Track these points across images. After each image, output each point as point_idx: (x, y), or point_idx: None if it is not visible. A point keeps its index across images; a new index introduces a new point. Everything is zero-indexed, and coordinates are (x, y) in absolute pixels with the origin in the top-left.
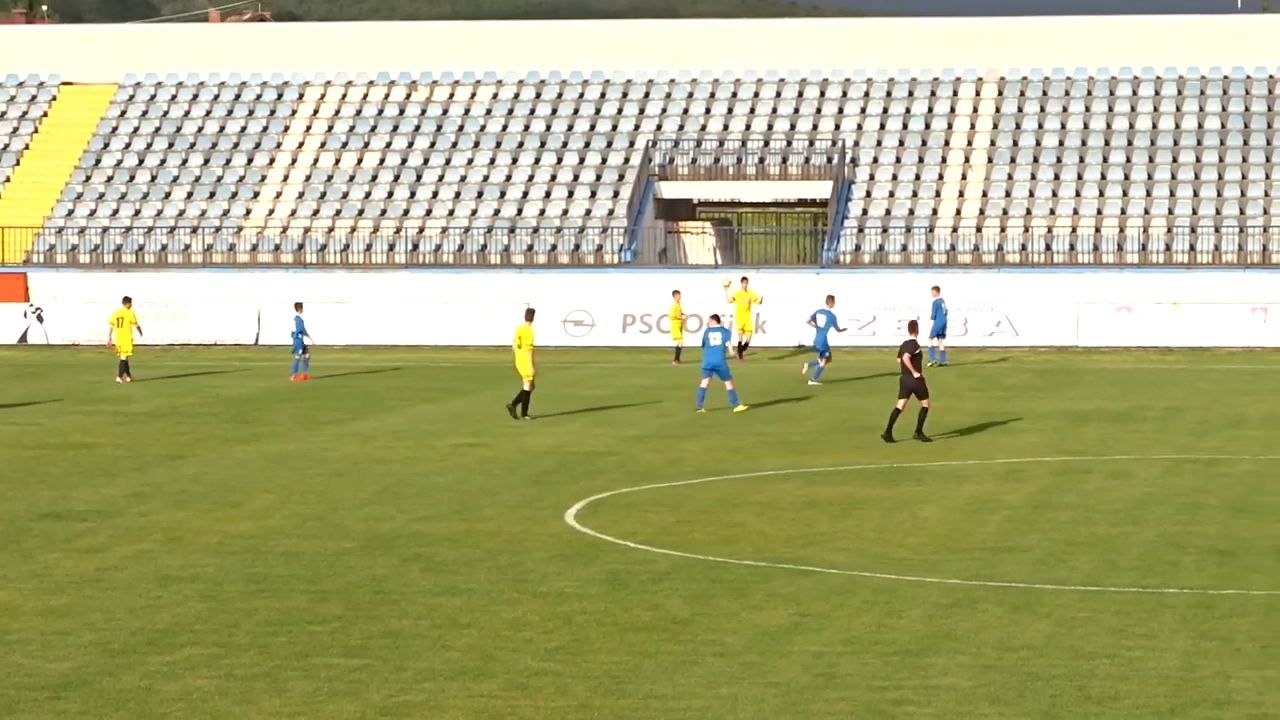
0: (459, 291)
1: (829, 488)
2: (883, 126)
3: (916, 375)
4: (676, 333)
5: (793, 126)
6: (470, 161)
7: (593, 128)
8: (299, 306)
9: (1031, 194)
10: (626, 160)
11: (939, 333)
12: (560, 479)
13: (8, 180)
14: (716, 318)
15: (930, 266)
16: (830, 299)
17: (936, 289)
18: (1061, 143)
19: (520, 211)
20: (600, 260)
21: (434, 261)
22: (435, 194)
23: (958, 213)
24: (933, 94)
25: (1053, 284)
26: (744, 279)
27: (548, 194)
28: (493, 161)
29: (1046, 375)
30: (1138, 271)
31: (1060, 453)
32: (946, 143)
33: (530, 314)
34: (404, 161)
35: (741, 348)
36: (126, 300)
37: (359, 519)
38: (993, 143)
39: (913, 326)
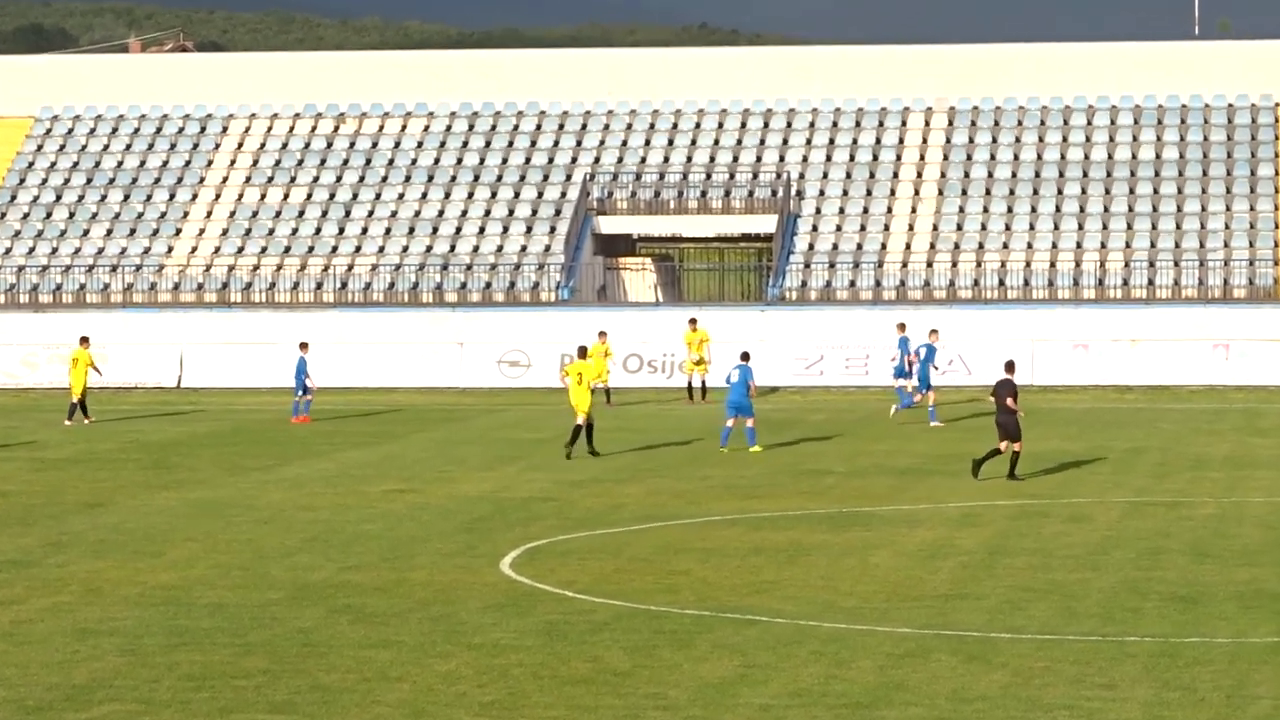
0: (390, 331)
1: (776, 533)
2: (829, 158)
3: (1019, 414)
4: (596, 374)
5: (736, 158)
6: (401, 196)
7: (528, 160)
8: (304, 347)
9: (984, 227)
10: (563, 194)
11: (904, 372)
12: (495, 526)
13: None
14: (745, 355)
15: (880, 303)
16: (934, 333)
17: (902, 326)
18: (1015, 174)
19: (453, 248)
20: (536, 298)
21: (364, 300)
22: (365, 230)
23: (907, 247)
24: (880, 124)
25: (1007, 320)
26: (693, 320)
27: (482, 229)
28: (424, 196)
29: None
30: (1095, 307)
31: (1016, 496)
32: (895, 174)
33: (584, 351)
34: (332, 197)
35: (701, 390)
36: (84, 340)
37: (286, 568)
38: (943, 174)
39: (1009, 366)
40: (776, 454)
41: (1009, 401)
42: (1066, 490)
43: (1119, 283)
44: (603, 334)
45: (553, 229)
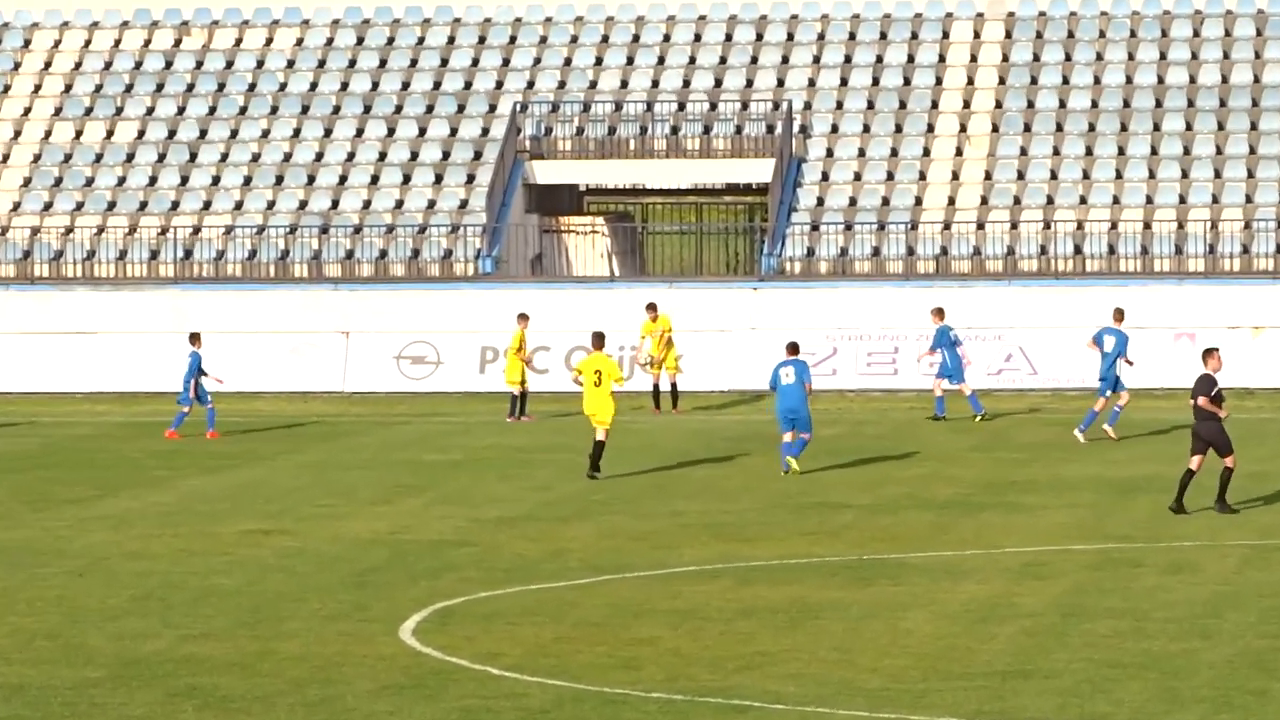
0: (250, 316)
1: (772, 589)
2: (844, 82)
3: (1222, 415)
4: (514, 373)
5: (718, 83)
6: (265, 134)
7: (437, 86)
8: (195, 340)
9: (1054, 175)
10: (485, 131)
11: (954, 372)
12: (394, 579)
13: None
14: (794, 347)
15: (913, 278)
16: (1118, 313)
17: (939, 313)
18: (1095, 103)
19: (336, 204)
20: (449, 272)
21: (214, 275)
22: (216, 180)
23: (951, 202)
24: (914, 37)
25: (1084, 302)
26: (651, 306)
27: (374, 179)
28: (297, 134)
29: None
30: (1203, 284)
31: (1098, 538)
32: (934, 104)
33: (601, 339)
34: (172, 135)
35: (672, 395)
36: None
37: (109, 636)
38: (998, 104)
39: (1209, 355)
40: (773, 481)
41: (1203, 403)
42: (1165, 530)
43: (1235, 249)
44: (523, 317)
45: (470, 178)
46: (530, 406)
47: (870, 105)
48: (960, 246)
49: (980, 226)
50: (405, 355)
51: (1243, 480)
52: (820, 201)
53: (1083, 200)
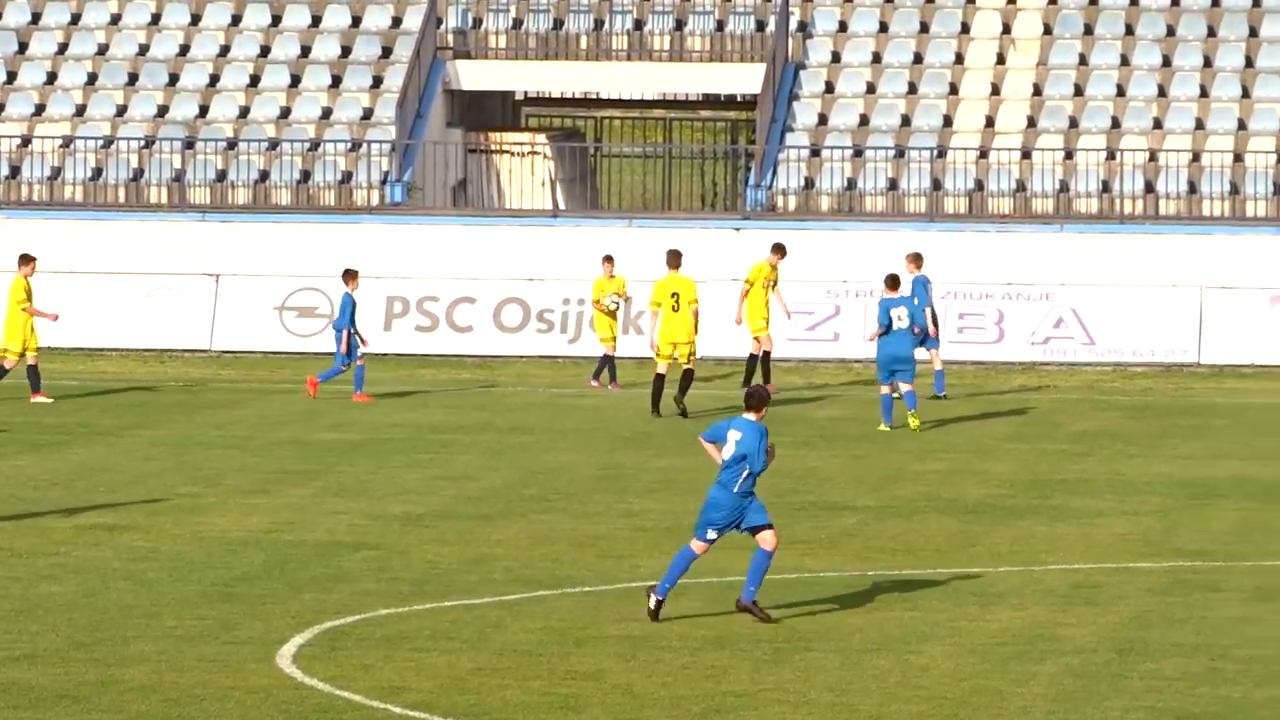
0: (91, 253)
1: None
2: None
3: None
4: (605, 330)
5: None
6: (115, 20)
7: None
8: (351, 278)
9: (1121, 92)
10: (395, 22)
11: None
12: (271, 590)
13: None
14: (894, 281)
15: (939, 219)
16: (915, 258)
17: (915, 259)
18: (1175, 0)
19: (203, 112)
20: (346, 201)
21: (47, 199)
22: (51, 77)
23: (989, 124)
24: None
25: (1156, 254)
26: (608, 259)
27: (254, 81)
28: (155, 20)
29: (1145, 416)
30: None
31: (1166, 554)
32: None
33: (677, 257)
34: None
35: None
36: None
37: None
38: None
39: None
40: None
41: None
42: (1249, 546)
43: None
44: (608, 259)
45: (376, 82)
46: (427, 372)
47: None
48: (1000, 180)
49: (1026, 156)
50: (290, 305)
51: None
52: (823, 120)
53: (1157, 124)
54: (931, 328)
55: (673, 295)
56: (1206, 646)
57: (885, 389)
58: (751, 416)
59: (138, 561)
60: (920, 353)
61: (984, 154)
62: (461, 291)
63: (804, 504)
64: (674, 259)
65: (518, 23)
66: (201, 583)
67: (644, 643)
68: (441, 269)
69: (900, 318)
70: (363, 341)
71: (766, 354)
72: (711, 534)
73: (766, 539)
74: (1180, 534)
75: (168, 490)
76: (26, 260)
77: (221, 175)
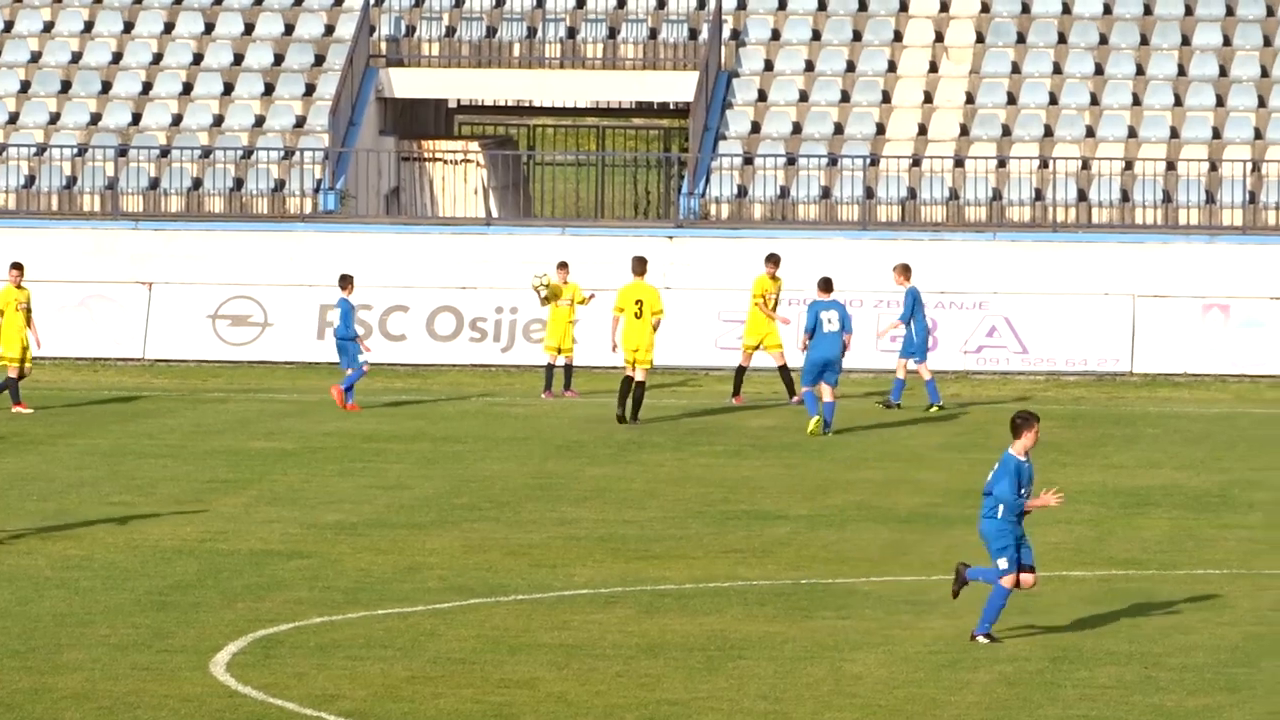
0: (25, 261)
1: (686, 619)
2: None
3: None
4: (559, 335)
5: None
6: (48, 27)
7: None
8: (346, 283)
9: (1054, 100)
10: (329, 30)
11: (918, 350)
12: (204, 598)
13: None
14: (827, 284)
15: (872, 227)
16: (903, 270)
17: (905, 271)
18: (1108, 8)
19: (136, 119)
20: (280, 209)
21: None
22: None
23: (922, 131)
24: None
25: (1091, 261)
26: (562, 265)
27: (187, 88)
28: (88, 28)
29: (1078, 425)
30: (1241, 241)
31: (1099, 563)
32: (903, 5)
33: (642, 264)
34: None
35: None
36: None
37: None
38: (985, 6)
39: None
40: (687, 484)
41: None
42: (1181, 555)
43: None
44: (563, 266)
45: (309, 89)
46: (378, 382)
47: (822, 5)
48: (933, 188)
49: (959, 164)
50: (223, 314)
51: None
52: (756, 128)
53: (1090, 132)
54: (930, 338)
55: (636, 302)
56: (1139, 655)
57: (807, 389)
58: (1014, 446)
59: (71, 570)
60: (913, 359)
61: (917, 162)
62: (394, 300)
63: (737, 513)
64: (639, 266)
65: (451, 30)
66: (135, 591)
67: (577, 651)
68: (374, 277)
69: (830, 321)
70: (364, 349)
71: (783, 367)
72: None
73: (1026, 580)
74: (1113, 543)
75: (101, 499)
76: (15, 267)
77: (154, 183)
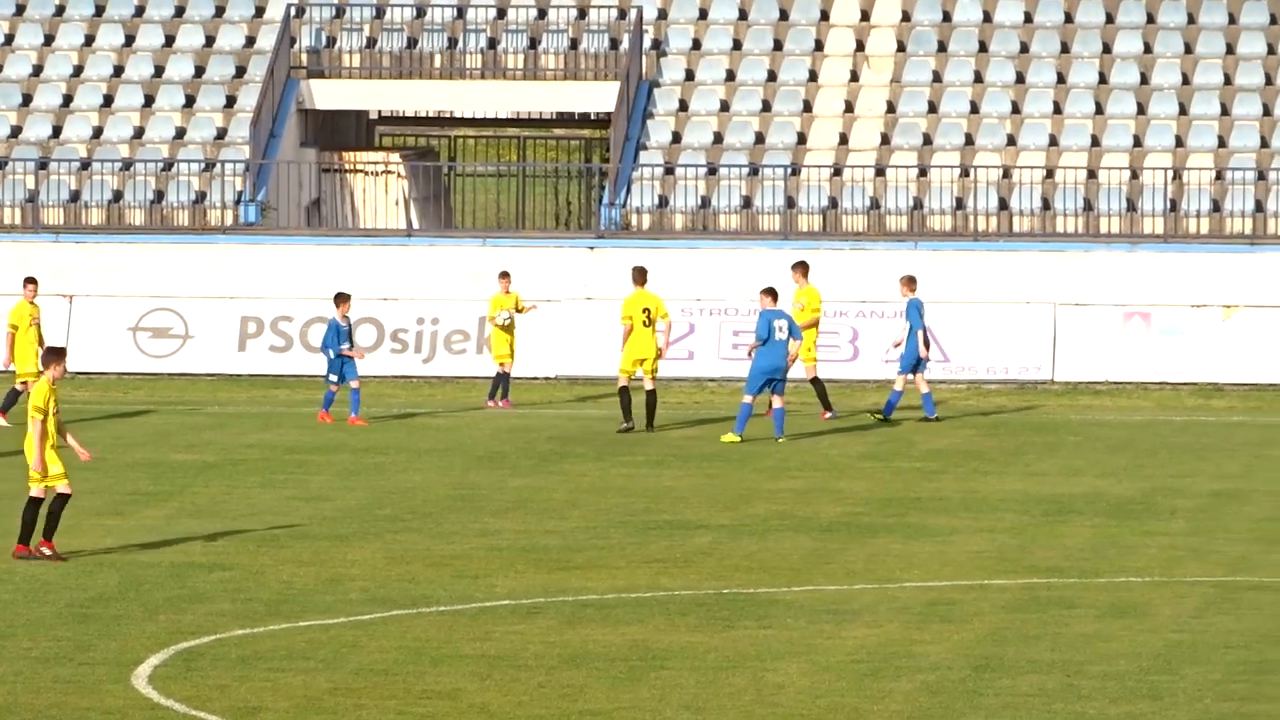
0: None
1: (608, 630)
2: None
3: None
4: (501, 347)
5: None
6: None
7: None
8: (342, 301)
9: (975, 109)
10: (249, 41)
11: (912, 365)
12: (126, 611)
13: None
14: (774, 293)
15: (793, 237)
16: (909, 282)
17: (909, 282)
18: (1029, 17)
19: (56, 132)
20: (200, 221)
21: None
22: None
23: (843, 141)
24: None
25: (1010, 271)
26: (504, 275)
27: (107, 101)
28: (9, 41)
29: (999, 433)
30: (1161, 249)
31: (1021, 571)
32: (824, 15)
33: (643, 274)
34: None
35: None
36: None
37: None
38: (906, 16)
39: None
40: (609, 495)
41: None
42: (1103, 563)
43: (1204, 207)
44: (505, 275)
45: (230, 101)
46: (281, 392)
47: (742, 15)
48: (854, 198)
49: (880, 173)
50: (144, 326)
51: (1206, 500)
52: (677, 138)
53: (1011, 141)
54: (923, 350)
55: (644, 310)
56: (1062, 663)
57: (749, 399)
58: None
59: None
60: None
61: (838, 171)
62: (316, 311)
63: (658, 523)
64: (640, 276)
65: (372, 41)
66: (56, 604)
67: (500, 662)
68: (296, 289)
69: (781, 329)
70: (360, 356)
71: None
72: None
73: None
74: (1035, 551)
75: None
76: (29, 282)
77: (75, 196)
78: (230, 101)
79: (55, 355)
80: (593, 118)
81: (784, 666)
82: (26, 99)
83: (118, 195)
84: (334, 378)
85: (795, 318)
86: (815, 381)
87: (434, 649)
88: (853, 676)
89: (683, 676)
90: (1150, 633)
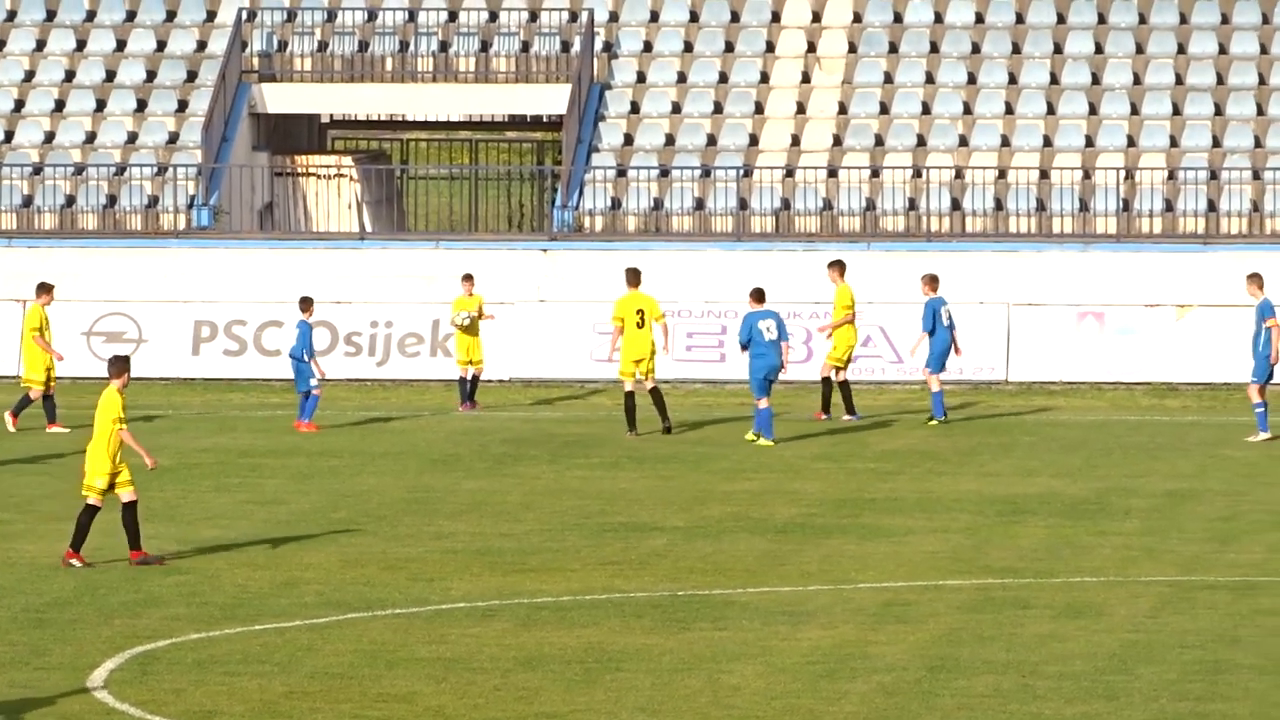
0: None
1: (564, 632)
2: None
3: None
4: (468, 351)
5: None
6: None
7: None
8: (306, 306)
9: (926, 110)
10: (201, 45)
11: (939, 361)
12: (81, 615)
13: None
14: (760, 294)
15: (747, 239)
16: (932, 281)
17: (931, 281)
18: (980, 17)
19: (8, 137)
20: (153, 225)
21: None
22: None
23: (795, 143)
24: None
25: (965, 270)
26: (467, 278)
27: (59, 106)
28: None
29: (953, 434)
30: (1114, 249)
31: (976, 571)
32: (775, 17)
33: (637, 275)
34: None
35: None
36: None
37: None
38: (857, 17)
39: None
40: (563, 497)
41: None
42: (1058, 563)
43: (1158, 207)
44: (468, 278)
45: (182, 106)
46: (235, 396)
47: (693, 17)
48: (807, 199)
49: (832, 174)
50: (97, 331)
51: (1160, 500)
52: (629, 140)
53: (963, 142)
54: (955, 349)
55: (637, 312)
56: (1017, 663)
57: (762, 404)
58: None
59: None
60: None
61: (790, 173)
62: (269, 315)
63: (613, 525)
64: (633, 277)
65: (323, 45)
66: (11, 608)
67: (455, 665)
68: (249, 292)
69: (769, 330)
70: (319, 371)
71: (844, 382)
72: None
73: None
74: (989, 551)
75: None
76: (44, 289)
77: (28, 200)
78: (182, 106)
79: (121, 364)
80: (545, 120)
81: (739, 668)
82: None
83: (70, 200)
84: (315, 381)
85: (833, 316)
86: (826, 381)
87: (389, 652)
88: (808, 678)
89: (638, 678)
90: (1105, 633)
